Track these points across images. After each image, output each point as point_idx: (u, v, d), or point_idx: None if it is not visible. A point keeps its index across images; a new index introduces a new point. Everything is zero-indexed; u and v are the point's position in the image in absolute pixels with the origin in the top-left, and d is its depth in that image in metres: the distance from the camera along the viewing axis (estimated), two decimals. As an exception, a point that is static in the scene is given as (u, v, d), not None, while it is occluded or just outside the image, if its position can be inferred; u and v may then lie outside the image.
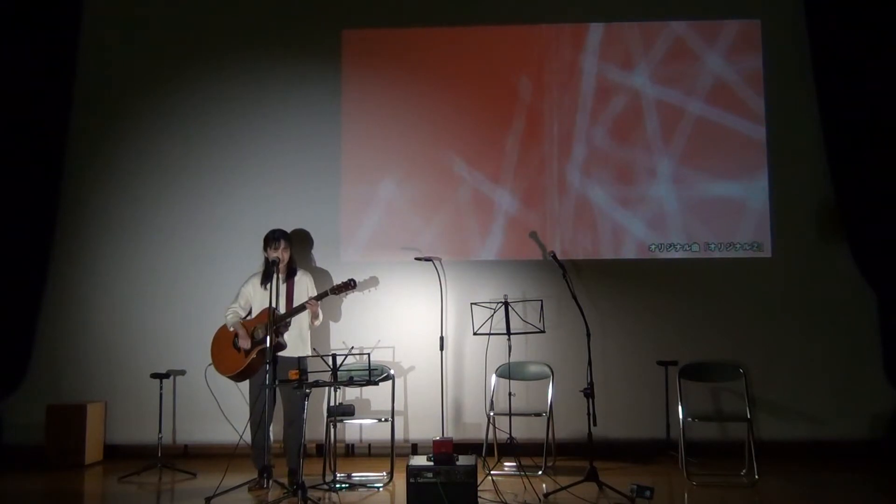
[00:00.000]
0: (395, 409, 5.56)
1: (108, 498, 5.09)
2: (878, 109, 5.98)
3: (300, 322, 5.17)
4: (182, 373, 6.01)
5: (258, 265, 5.31)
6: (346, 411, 5.09)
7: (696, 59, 6.20)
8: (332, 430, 5.17)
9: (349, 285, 5.18)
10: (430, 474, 4.28)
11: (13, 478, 5.45)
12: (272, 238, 5.17)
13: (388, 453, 5.37)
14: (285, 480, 4.95)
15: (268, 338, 4.78)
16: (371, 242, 6.20)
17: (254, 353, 5.02)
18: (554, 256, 5.40)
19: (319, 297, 5.14)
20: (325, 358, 4.68)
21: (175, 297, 6.19)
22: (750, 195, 6.09)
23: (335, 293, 5.18)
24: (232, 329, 5.17)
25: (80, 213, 6.31)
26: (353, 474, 5.30)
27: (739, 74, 6.17)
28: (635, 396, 5.95)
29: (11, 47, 6.24)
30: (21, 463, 5.77)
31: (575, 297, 5.05)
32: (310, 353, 5.13)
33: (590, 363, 4.83)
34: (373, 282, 5.88)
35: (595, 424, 4.75)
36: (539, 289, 5.96)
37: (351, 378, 4.99)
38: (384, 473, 5.26)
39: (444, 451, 4.37)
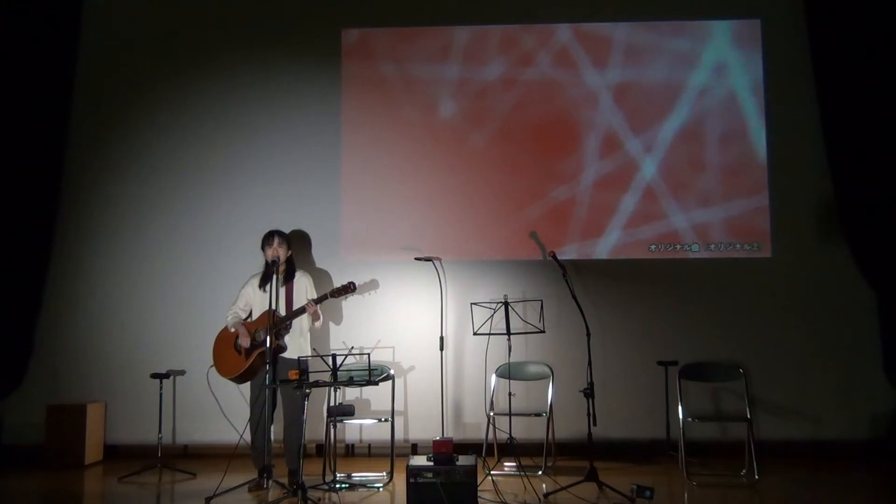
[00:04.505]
0: (395, 409, 5.56)
1: (108, 498, 5.08)
2: (879, 109, 5.98)
3: (300, 322, 5.17)
4: (182, 373, 6.02)
5: (258, 265, 5.31)
6: (346, 411, 5.08)
7: (696, 59, 6.20)
8: (332, 430, 5.17)
9: (349, 288, 5.18)
10: (430, 474, 4.28)
11: (13, 478, 5.45)
12: (267, 237, 5.19)
13: (388, 453, 5.38)
14: (285, 480, 4.95)
15: (268, 339, 4.78)
16: (371, 242, 6.20)
17: (254, 356, 5.02)
18: (554, 256, 5.40)
19: (319, 300, 5.13)
20: (325, 358, 4.67)
21: (175, 298, 6.19)
22: (750, 195, 6.09)
23: (335, 296, 5.17)
24: (233, 330, 5.17)
25: (79, 214, 6.31)
26: (353, 474, 5.30)
27: (739, 74, 6.17)
28: (635, 396, 5.95)
29: (11, 46, 6.24)
30: (21, 463, 5.78)
31: (575, 297, 5.05)
32: (309, 354, 5.13)
33: (590, 363, 4.83)
34: (373, 284, 5.86)
35: (595, 424, 4.74)
36: (539, 289, 5.96)
37: (351, 378, 4.98)
38: (384, 473, 5.26)
39: (444, 451, 4.37)
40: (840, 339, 5.99)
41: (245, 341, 5.06)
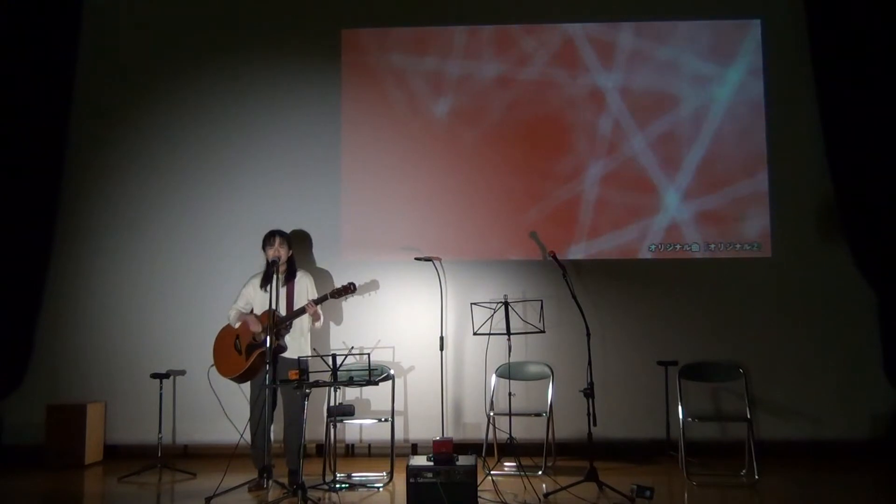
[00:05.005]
0: (395, 409, 5.56)
1: (107, 498, 5.08)
2: (879, 109, 5.98)
3: (301, 322, 5.17)
4: (182, 373, 6.02)
5: (258, 265, 5.31)
6: (346, 411, 5.09)
7: (696, 59, 6.20)
8: (332, 430, 5.17)
9: (349, 289, 5.18)
10: (430, 474, 4.28)
11: (13, 478, 5.45)
12: (268, 237, 5.19)
13: (388, 453, 5.38)
14: (285, 480, 4.95)
15: (268, 339, 4.78)
16: (371, 242, 6.20)
17: (254, 356, 5.02)
18: (554, 256, 5.40)
19: (319, 301, 5.13)
20: (325, 358, 4.67)
21: (175, 298, 6.19)
22: (750, 195, 6.09)
23: (335, 297, 5.17)
24: (237, 325, 5.16)
25: (79, 214, 6.31)
26: (353, 474, 5.30)
27: (739, 74, 6.17)
28: (635, 396, 5.95)
29: (12, 46, 6.24)
30: (21, 463, 5.78)
31: (575, 297, 5.05)
32: (309, 354, 5.13)
33: (590, 363, 4.83)
34: (373, 285, 5.87)
35: (595, 424, 4.74)
36: (539, 289, 5.96)
37: (351, 378, 4.99)
38: (384, 473, 5.26)
39: (444, 451, 4.37)
40: (840, 339, 5.99)
41: (256, 327, 5.06)
